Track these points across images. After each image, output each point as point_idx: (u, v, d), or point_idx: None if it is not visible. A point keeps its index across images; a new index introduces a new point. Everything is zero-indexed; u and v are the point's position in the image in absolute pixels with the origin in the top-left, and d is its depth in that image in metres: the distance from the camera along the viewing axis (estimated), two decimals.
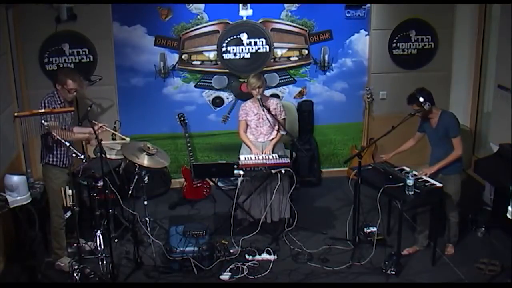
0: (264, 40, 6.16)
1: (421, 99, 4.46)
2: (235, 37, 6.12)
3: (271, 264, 4.66)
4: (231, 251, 4.80)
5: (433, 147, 4.71)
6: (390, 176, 4.60)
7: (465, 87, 6.51)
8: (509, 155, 5.02)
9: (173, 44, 6.08)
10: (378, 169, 4.80)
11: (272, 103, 5.19)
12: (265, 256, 4.78)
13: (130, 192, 5.09)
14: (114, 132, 5.09)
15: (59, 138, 4.18)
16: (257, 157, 5.02)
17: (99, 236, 4.43)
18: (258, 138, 5.21)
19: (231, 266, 4.63)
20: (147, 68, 6.10)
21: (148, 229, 5.03)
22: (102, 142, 4.30)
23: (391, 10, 6.26)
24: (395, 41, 6.37)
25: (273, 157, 5.03)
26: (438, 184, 4.45)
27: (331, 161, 6.73)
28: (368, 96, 6.38)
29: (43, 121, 4.08)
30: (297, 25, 6.21)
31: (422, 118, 4.68)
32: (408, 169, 4.68)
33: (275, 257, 4.78)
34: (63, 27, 5.76)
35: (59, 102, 4.45)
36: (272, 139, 5.20)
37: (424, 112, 4.53)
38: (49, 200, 4.59)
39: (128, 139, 4.88)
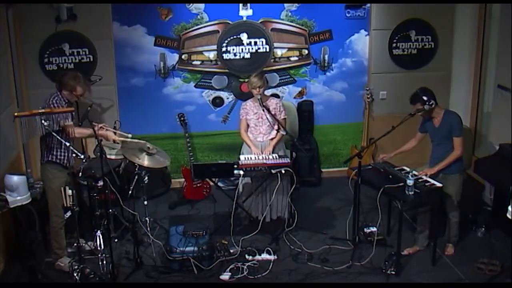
0: (264, 40, 6.16)
1: (424, 99, 4.46)
2: (235, 37, 6.12)
3: (271, 264, 4.66)
4: (231, 251, 4.80)
5: (434, 147, 4.71)
6: (390, 176, 4.60)
7: (465, 87, 6.51)
8: (509, 155, 5.03)
9: (173, 44, 6.08)
10: (378, 169, 4.80)
11: (272, 103, 5.19)
12: (265, 256, 4.78)
13: (130, 192, 5.09)
14: (115, 131, 5.09)
15: (59, 138, 4.18)
16: (257, 157, 5.03)
17: (99, 236, 4.43)
18: (257, 138, 5.22)
19: (231, 266, 4.63)
20: (147, 68, 6.10)
21: (148, 229, 5.03)
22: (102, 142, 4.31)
23: (391, 10, 6.26)
24: (395, 41, 6.37)
25: (273, 157, 5.03)
26: (438, 184, 4.45)
27: (331, 161, 6.73)
28: (368, 96, 6.38)
29: (43, 121, 4.08)
30: (297, 25, 6.21)
31: (424, 118, 4.68)
32: (408, 169, 4.68)
33: (275, 257, 4.78)
34: (63, 27, 5.76)
35: (65, 102, 4.46)
36: (272, 138, 5.21)
37: (427, 111, 4.53)
38: (48, 200, 4.58)
39: (130, 135, 4.85)
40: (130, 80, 6.11)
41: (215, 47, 6.14)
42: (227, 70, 6.23)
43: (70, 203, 4.18)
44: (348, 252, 4.84)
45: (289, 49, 6.27)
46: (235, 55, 6.17)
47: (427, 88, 4.55)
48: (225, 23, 6.08)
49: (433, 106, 4.48)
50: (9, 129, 5.07)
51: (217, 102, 6.34)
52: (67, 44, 5.82)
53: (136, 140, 4.83)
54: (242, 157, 5.07)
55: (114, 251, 4.42)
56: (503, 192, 4.70)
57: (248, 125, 5.25)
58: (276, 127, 5.19)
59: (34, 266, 4.42)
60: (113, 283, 4.36)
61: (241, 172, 4.95)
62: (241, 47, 6.15)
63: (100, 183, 4.51)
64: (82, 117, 4.54)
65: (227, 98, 6.35)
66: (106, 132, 4.63)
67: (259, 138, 5.22)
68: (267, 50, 6.20)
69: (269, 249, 4.84)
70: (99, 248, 4.41)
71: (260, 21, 6.12)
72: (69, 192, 4.17)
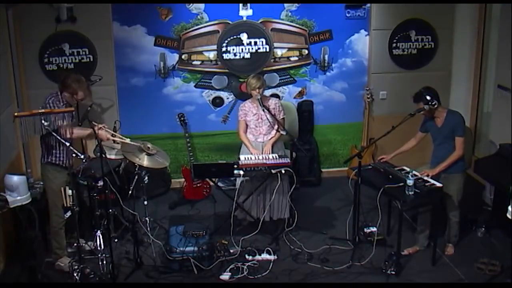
0: (264, 40, 6.16)
1: (428, 97, 4.46)
2: (235, 37, 6.12)
3: (271, 264, 4.66)
4: (231, 251, 4.80)
5: (436, 147, 4.70)
6: (390, 176, 4.60)
7: (465, 87, 6.51)
8: (509, 155, 5.02)
9: (173, 44, 6.08)
10: (378, 169, 4.80)
11: (271, 103, 5.19)
12: (265, 256, 4.78)
13: (130, 192, 5.09)
14: (114, 133, 5.09)
15: (59, 138, 4.18)
16: (257, 157, 5.02)
17: (99, 236, 4.43)
18: (257, 138, 5.21)
19: (231, 266, 4.63)
20: (147, 68, 6.10)
21: (148, 229, 5.03)
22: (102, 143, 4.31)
23: (391, 10, 6.26)
24: (395, 41, 6.37)
25: (273, 157, 5.03)
26: (438, 184, 4.45)
27: (331, 161, 6.73)
28: (368, 96, 6.38)
29: (43, 121, 4.07)
30: (297, 25, 6.21)
31: (426, 117, 4.67)
32: (408, 169, 4.68)
33: (275, 257, 4.78)
34: (63, 27, 5.75)
35: (63, 103, 4.46)
36: (271, 138, 5.21)
37: (428, 111, 4.52)
38: (48, 200, 4.58)
39: (128, 140, 4.86)
40: (130, 80, 6.11)
41: (215, 47, 6.14)
42: (227, 70, 6.23)
43: (70, 203, 4.18)
44: (348, 252, 4.84)
45: (289, 49, 6.27)
46: (235, 55, 6.17)
47: (430, 88, 4.54)
48: (225, 23, 6.08)
49: (435, 106, 4.48)
50: (9, 129, 5.07)
51: (217, 102, 6.34)
52: (67, 44, 5.82)
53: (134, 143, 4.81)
54: (242, 157, 5.07)
55: (114, 251, 4.42)
56: (503, 192, 4.70)
57: (247, 126, 5.24)
58: (276, 127, 5.19)
59: (34, 266, 4.42)
60: (113, 283, 4.36)
61: (241, 172, 4.95)
62: (241, 47, 6.15)
63: (100, 183, 4.51)
64: (82, 117, 4.54)
65: (227, 98, 6.35)
66: (102, 132, 4.56)
67: (259, 139, 5.21)
68: (267, 50, 6.20)
69: (269, 249, 4.84)
70: (99, 248, 4.42)
71: (260, 21, 6.12)
72: (69, 192, 4.16)
